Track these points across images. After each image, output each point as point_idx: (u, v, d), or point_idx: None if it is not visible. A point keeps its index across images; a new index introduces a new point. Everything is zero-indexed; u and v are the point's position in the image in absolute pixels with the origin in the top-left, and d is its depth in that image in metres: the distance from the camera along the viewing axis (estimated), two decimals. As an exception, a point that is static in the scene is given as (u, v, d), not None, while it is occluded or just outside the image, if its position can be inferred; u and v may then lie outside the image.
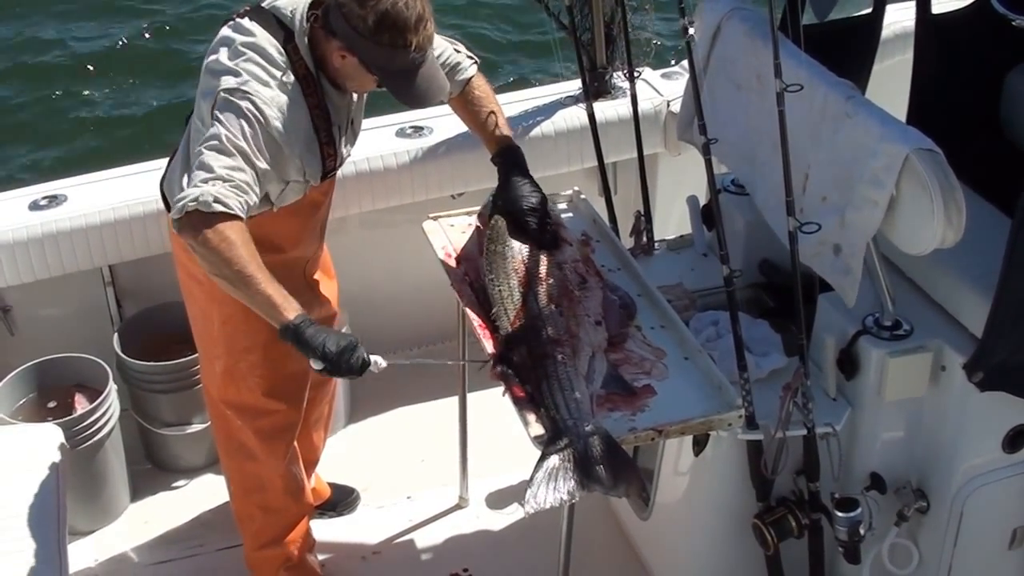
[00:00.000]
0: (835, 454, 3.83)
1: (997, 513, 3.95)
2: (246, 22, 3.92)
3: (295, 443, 4.61)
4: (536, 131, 5.68)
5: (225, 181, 3.67)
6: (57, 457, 4.43)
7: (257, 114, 3.75)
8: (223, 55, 3.87)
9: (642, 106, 5.36)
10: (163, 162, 4.32)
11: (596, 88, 5.86)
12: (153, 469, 5.58)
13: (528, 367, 3.68)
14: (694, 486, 4.30)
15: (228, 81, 3.79)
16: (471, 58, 4.34)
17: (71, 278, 5.34)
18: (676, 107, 5.64)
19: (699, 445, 4.07)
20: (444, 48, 4.22)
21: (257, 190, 3.78)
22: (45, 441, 4.49)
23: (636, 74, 4.89)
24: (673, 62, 6.55)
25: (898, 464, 3.96)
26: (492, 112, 4.32)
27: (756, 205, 4.22)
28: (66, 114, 10.74)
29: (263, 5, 3.98)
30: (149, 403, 5.36)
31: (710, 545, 4.34)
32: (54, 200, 5.28)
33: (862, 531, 3.81)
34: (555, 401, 3.53)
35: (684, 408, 3.58)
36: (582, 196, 4.60)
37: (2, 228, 5.14)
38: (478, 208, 4.49)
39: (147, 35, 11.84)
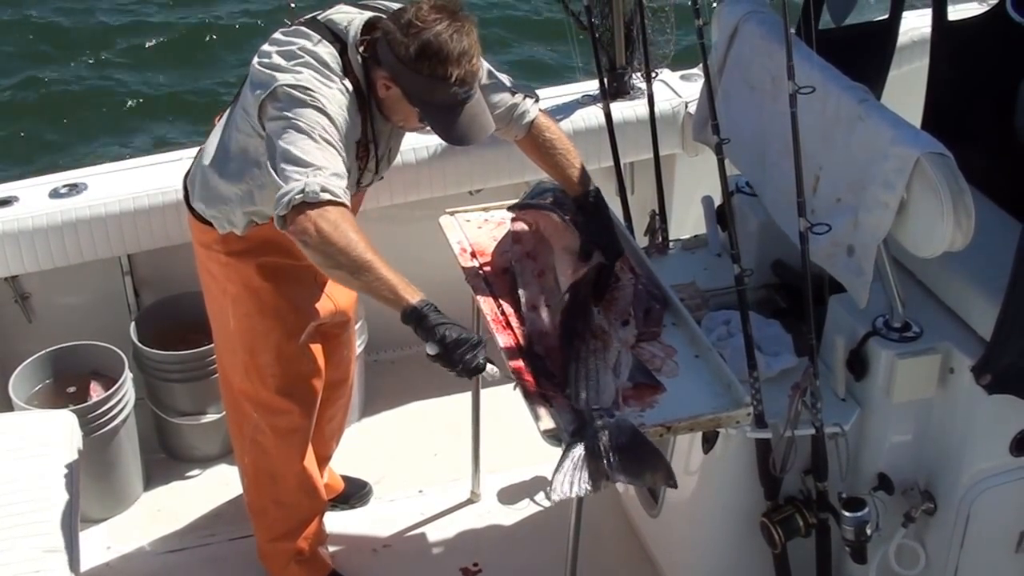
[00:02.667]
0: (843, 454, 3.85)
1: (1004, 516, 3.95)
2: (303, 29, 3.88)
3: (309, 442, 4.63)
4: (554, 129, 5.67)
5: (323, 168, 3.58)
6: (71, 444, 4.44)
7: (323, 107, 3.67)
8: (277, 57, 3.79)
9: (660, 107, 5.39)
10: (183, 152, 4.33)
11: (614, 88, 5.89)
12: (167, 458, 5.62)
13: (556, 360, 3.72)
14: (703, 484, 4.32)
15: (286, 78, 3.71)
16: (531, 96, 4.23)
17: (89, 266, 5.39)
18: (694, 108, 5.66)
19: (708, 443, 4.10)
20: (500, 94, 4.13)
21: (347, 174, 3.70)
22: (60, 428, 4.50)
23: (654, 75, 4.90)
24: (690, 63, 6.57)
25: (906, 465, 3.97)
26: (567, 154, 4.20)
27: (765, 206, 4.24)
28: (89, 102, 10.82)
29: (318, 18, 3.92)
30: (164, 392, 5.40)
31: (718, 542, 4.36)
32: (74, 188, 5.32)
33: (869, 531, 3.82)
34: (581, 393, 3.56)
35: (693, 405, 3.60)
36: (598, 194, 4.63)
37: (22, 215, 5.18)
38: (495, 204, 4.53)
39: (180, 26, 11.94)
